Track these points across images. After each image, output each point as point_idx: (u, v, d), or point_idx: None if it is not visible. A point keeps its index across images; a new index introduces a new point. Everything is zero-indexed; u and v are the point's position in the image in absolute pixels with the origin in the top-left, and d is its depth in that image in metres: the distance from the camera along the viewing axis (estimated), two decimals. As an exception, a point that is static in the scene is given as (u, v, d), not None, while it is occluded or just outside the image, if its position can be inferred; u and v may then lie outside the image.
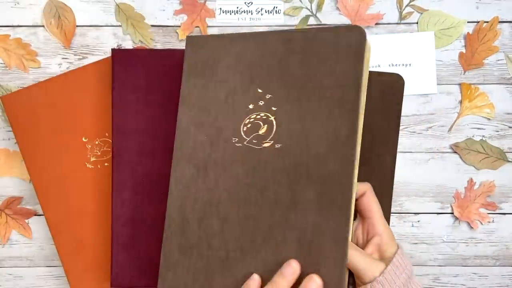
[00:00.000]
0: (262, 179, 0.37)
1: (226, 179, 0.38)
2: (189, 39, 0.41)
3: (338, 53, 0.36)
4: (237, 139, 0.38)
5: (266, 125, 0.38)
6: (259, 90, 0.38)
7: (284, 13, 0.50)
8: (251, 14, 0.50)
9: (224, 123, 0.39)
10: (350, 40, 0.35)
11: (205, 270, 0.38)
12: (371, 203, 0.41)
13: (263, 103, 0.38)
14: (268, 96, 0.38)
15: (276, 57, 0.38)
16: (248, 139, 0.38)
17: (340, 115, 0.35)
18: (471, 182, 0.51)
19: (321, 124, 0.36)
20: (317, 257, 0.34)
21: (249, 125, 0.38)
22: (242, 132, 0.38)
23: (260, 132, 0.38)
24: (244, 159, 0.38)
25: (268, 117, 0.38)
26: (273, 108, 0.38)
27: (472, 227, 0.51)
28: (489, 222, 0.51)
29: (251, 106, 0.38)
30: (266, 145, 0.37)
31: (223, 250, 0.37)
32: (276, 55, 0.38)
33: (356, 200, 0.41)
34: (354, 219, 0.41)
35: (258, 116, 0.38)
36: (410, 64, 0.50)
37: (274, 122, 0.37)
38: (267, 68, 0.38)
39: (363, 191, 0.41)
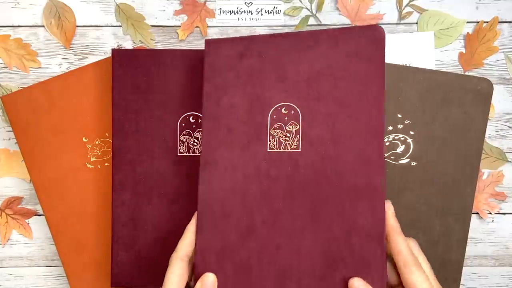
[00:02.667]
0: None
1: None
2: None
3: (471, 100, 0.46)
4: None
5: (403, 145, 0.46)
6: (399, 116, 0.46)
7: (284, 13, 0.50)
8: (251, 14, 0.50)
9: None
10: (481, 90, 0.46)
11: None
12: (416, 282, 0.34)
13: (401, 126, 0.46)
14: (407, 122, 0.46)
15: (417, 92, 0.46)
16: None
17: (466, 143, 0.46)
18: (479, 171, 0.51)
19: (450, 149, 0.46)
20: (441, 255, 0.46)
21: (387, 144, 0.46)
22: None
23: (398, 150, 0.46)
24: None
25: (406, 139, 0.46)
26: (411, 132, 0.46)
27: (482, 217, 0.51)
28: (498, 211, 0.51)
29: (390, 128, 0.46)
30: (402, 161, 0.46)
31: None
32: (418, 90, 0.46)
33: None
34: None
35: (397, 137, 0.46)
36: (409, 64, 0.50)
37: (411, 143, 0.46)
38: (409, 99, 0.46)
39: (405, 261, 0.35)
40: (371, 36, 0.38)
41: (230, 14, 0.50)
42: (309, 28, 0.50)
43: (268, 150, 0.39)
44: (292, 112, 0.39)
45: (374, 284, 0.36)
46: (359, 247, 0.37)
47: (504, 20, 0.51)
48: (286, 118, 0.39)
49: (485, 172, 0.51)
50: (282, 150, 0.39)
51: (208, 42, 0.40)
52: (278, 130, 0.39)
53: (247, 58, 0.40)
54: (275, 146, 0.39)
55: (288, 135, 0.39)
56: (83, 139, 0.48)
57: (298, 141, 0.39)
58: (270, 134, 0.40)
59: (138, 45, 0.50)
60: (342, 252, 0.37)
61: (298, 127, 0.39)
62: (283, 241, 0.38)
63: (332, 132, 0.38)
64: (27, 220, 0.51)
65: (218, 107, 0.40)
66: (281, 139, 0.39)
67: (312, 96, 0.39)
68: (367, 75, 0.38)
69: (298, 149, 0.39)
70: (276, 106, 0.40)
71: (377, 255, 0.36)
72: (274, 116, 0.40)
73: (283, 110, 0.40)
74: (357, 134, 0.38)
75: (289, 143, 0.39)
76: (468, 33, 0.50)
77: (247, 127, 0.39)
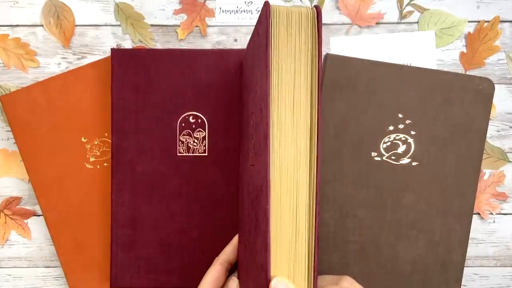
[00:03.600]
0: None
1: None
2: (330, 56, 0.46)
3: (472, 100, 0.46)
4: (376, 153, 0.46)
5: (404, 145, 0.46)
6: (400, 115, 0.46)
7: (284, 12, 0.50)
8: (251, 13, 0.50)
9: (365, 139, 0.46)
10: (483, 90, 0.46)
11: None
12: None
13: (402, 126, 0.46)
14: (408, 122, 0.46)
15: (419, 92, 0.46)
16: (387, 155, 0.46)
17: (468, 143, 0.46)
18: (480, 172, 0.51)
19: (452, 149, 0.46)
20: (443, 256, 0.46)
21: (388, 143, 0.46)
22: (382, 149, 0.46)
23: (399, 150, 0.46)
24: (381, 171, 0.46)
25: (406, 139, 0.46)
26: (412, 132, 0.46)
27: (483, 218, 0.51)
28: (499, 212, 0.51)
29: (391, 128, 0.46)
30: (403, 162, 0.46)
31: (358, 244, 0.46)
32: (421, 91, 0.46)
33: None
34: None
35: (398, 137, 0.46)
36: (410, 64, 0.50)
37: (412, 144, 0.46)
38: (410, 98, 0.46)
39: None
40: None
41: (230, 13, 0.50)
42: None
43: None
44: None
45: None
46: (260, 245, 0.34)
47: (505, 20, 0.50)
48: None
49: (486, 172, 0.51)
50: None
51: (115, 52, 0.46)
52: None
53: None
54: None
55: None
56: (82, 139, 0.48)
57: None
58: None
59: (138, 45, 0.50)
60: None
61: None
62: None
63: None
64: (26, 221, 0.51)
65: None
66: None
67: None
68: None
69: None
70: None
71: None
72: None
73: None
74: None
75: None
76: (469, 32, 0.50)
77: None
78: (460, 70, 0.50)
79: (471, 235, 0.51)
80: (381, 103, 0.46)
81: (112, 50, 0.46)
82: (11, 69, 0.50)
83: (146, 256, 0.46)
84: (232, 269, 0.41)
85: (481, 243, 0.51)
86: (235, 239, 0.41)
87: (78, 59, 0.50)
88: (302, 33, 0.31)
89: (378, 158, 0.46)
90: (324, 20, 0.50)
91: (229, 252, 0.40)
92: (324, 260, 0.46)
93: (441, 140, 0.46)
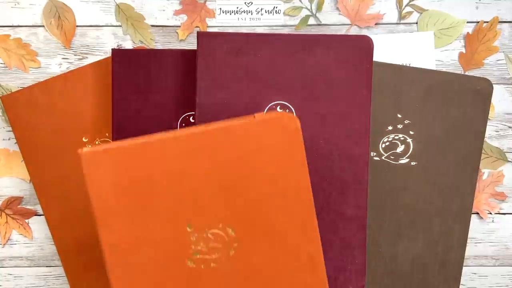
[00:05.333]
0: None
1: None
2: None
3: (471, 100, 0.46)
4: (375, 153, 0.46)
5: (403, 145, 0.46)
6: (399, 115, 0.46)
7: (284, 13, 0.50)
8: (251, 14, 0.50)
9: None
10: (481, 90, 0.46)
11: None
12: None
13: (401, 126, 0.46)
14: (406, 122, 0.46)
15: (417, 92, 0.46)
16: (386, 155, 0.46)
17: (466, 143, 0.46)
18: (479, 171, 0.51)
19: (450, 149, 0.46)
20: (442, 255, 0.46)
21: (387, 143, 0.46)
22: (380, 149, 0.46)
23: (398, 150, 0.46)
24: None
25: (405, 138, 0.46)
26: (411, 132, 0.46)
27: (482, 217, 0.51)
28: (498, 211, 0.51)
29: (390, 128, 0.46)
30: (402, 161, 0.46)
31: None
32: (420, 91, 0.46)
33: None
34: None
35: (397, 137, 0.46)
36: (409, 64, 0.50)
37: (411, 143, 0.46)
38: (409, 99, 0.46)
39: None
40: (360, 46, 0.43)
41: (230, 14, 0.50)
42: (309, 28, 0.50)
43: None
44: (287, 111, 0.43)
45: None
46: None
47: (504, 20, 0.51)
48: None
49: (485, 172, 0.51)
50: None
51: (202, 35, 0.41)
52: None
53: (243, 55, 0.41)
54: None
55: None
56: (83, 139, 0.48)
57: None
58: None
59: (138, 45, 0.50)
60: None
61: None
62: None
63: (324, 131, 0.42)
64: (27, 220, 0.51)
65: (213, 103, 0.41)
66: None
67: (305, 96, 0.43)
68: (356, 80, 0.42)
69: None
70: (271, 104, 0.43)
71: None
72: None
73: (278, 109, 0.43)
74: (346, 134, 0.42)
75: None
76: (468, 33, 0.50)
77: None
78: (459, 70, 0.51)
79: (470, 234, 0.51)
80: (380, 103, 0.46)
81: (113, 50, 0.46)
82: (12, 69, 0.50)
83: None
84: None
85: (480, 242, 0.52)
86: None
87: (79, 59, 0.50)
88: None
89: (377, 158, 0.47)
90: (323, 21, 0.51)
91: None
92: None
93: (440, 140, 0.46)
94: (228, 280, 0.34)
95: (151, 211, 0.33)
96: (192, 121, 0.46)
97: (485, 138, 0.50)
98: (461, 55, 0.50)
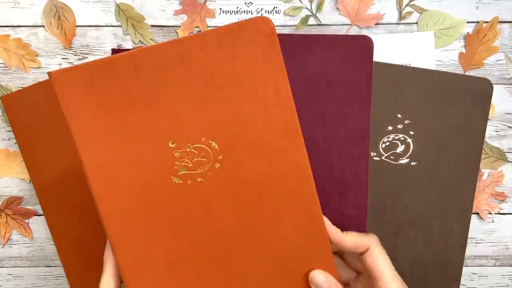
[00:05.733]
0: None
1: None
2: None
3: (471, 100, 0.47)
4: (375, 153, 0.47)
5: (403, 145, 0.46)
6: (399, 116, 0.46)
7: (284, 13, 0.50)
8: (251, 14, 0.50)
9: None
10: (481, 90, 0.47)
11: None
12: (378, 263, 0.36)
13: (401, 126, 0.46)
14: (406, 122, 0.46)
15: (418, 92, 0.47)
16: (386, 155, 0.47)
17: (466, 143, 0.47)
18: (479, 171, 0.51)
19: (450, 149, 0.47)
20: (442, 255, 0.47)
21: (387, 143, 0.46)
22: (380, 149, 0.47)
23: (398, 150, 0.46)
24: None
25: (405, 138, 0.46)
26: (411, 132, 0.46)
27: (482, 217, 0.51)
28: (498, 211, 0.51)
29: (390, 128, 0.46)
30: (402, 161, 0.47)
31: None
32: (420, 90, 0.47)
33: (360, 255, 0.38)
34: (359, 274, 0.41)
35: (397, 137, 0.46)
36: (409, 64, 0.50)
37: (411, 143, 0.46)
38: (409, 99, 0.47)
39: (366, 247, 0.36)
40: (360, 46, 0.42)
41: (230, 14, 0.50)
42: (309, 28, 0.50)
43: None
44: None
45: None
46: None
47: (504, 20, 0.51)
48: None
49: (485, 172, 0.51)
50: None
51: None
52: None
53: None
54: None
55: None
56: (83, 139, 0.48)
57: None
58: None
59: (138, 45, 0.50)
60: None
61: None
62: None
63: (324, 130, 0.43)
64: (27, 220, 0.51)
65: None
66: None
67: (305, 96, 0.43)
68: (356, 80, 0.42)
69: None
70: None
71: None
72: None
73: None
74: (346, 134, 0.43)
75: None
76: (468, 33, 0.50)
77: None
78: (459, 70, 0.51)
79: (470, 234, 0.51)
80: (380, 103, 0.46)
81: (113, 50, 0.46)
82: (12, 69, 0.50)
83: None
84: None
85: (480, 242, 0.52)
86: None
87: (79, 59, 0.50)
88: None
89: (377, 158, 0.47)
90: (323, 21, 0.51)
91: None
92: None
93: (440, 140, 0.46)
94: (217, 193, 0.33)
95: (131, 128, 0.32)
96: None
97: (485, 138, 0.50)
98: (461, 55, 0.50)
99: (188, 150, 0.33)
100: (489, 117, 0.50)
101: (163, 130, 0.32)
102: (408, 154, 0.47)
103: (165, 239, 0.34)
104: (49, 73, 0.31)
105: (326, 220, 0.36)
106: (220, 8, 0.50)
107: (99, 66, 0.31)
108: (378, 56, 0.50)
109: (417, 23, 0.50)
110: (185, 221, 0.34)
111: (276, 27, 0.50)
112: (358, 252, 0.37)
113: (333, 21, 0.51)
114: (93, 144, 0.32)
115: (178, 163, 0.33)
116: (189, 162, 0.33)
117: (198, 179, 0.33)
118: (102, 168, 0.32)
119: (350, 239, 0.36)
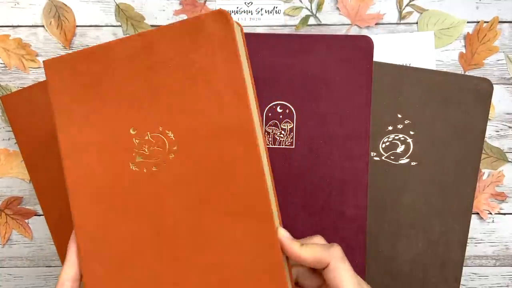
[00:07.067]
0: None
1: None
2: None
3: (471, 100, 0.46)
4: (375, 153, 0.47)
5: (403, 145, 0.46)
6: (399, 116, 0.46)
7: (284, 13, 0.50)
8: (251, 14, 0.50)
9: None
10: (481, 90, 0.46)
11: None
12: (339, 280, 0.32)
13: (401, 126, 0.46)
14: (407, 122, 0.46)
15: (418, 92, 0.46)
16: (386, 155, 0.46)
17: (466, 143, 0.47)
18: (479, 172, 0.51)
19: (450, 149, 0.46)
20: (442, 255, 0.47)
21: (387, 143, 0.46)
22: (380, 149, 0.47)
23: (398, 150, 0.46)
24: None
25: (405, 139, 0.46)
26: (411, 132, 0.46)
27: (482, 217, 0.51)
28: (498, 211, 0.51)
29: (390, 128, 0.46)
30: (402, 161, 0.46)
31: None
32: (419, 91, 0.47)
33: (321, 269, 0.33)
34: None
35: (397, 137, 0.46)
36: (409, 64, 0.50)
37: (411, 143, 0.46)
38: (409, 99, 0.47)
39: (326, 262, 0.32)
40: (360, 46, 0.43)
41: (230, 14, 0.50)
42: (309, 28, 0.50)
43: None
44: (287, 111, 0.44)
45: None
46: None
47: (504, 20, 0.50)
48: (281, 117, 0.44)
49: (485, 172, 0.51)
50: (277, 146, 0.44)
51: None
52: (273, 127, 0.44)
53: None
54: (270, 142, 0.44)
55: (283, 132, 0.44)
56: (83, 139, 0.48)
57: (292, 138, 0.44)
58: (265, 131, 0.44)
59: (138, 45, 0.50)
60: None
61: (292, 125, 0.44)
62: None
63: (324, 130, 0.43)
64: (26, 220, 0.51)
65: None
66: (275, 136, 0.44)
67: (305, 96, 0.43)
68: (356, 80, 0.43)
69: (292, 146, 0.44)
70: (271, 104, 0.44)
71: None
72: (269, 114, 0.44)
73: (278, 109, 0.44)
74: (346, 134, 0.43)
75: (283, 140, 0.44)
76: (468, 33, 0.50)
77: None
78: (459, 70, 0.51)
79: (470, 234, 0.51)
80: (380, 103, 0.46)
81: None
82: (12, 69, 0.50)
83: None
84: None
85: (480, 242, 0.52)
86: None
87: (79, 59, 0.50)
88: None
89: (377, 158, 0.47)
90: (323, 21, 0.51)
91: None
92: None
93: (440, 140, 0.46)
94: (169, 185, 0.33)
95: (100, 114, 0.34)
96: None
97: (485, 138, 0.50)
98: (461, 55, 0.50)
99: (146, 138, 0.34)
100: (489, 117, 0.50)
101: (126, 118, 0.34)
102: (408, 154, 0.47)
103: (119, 224, 0.34)
104: (43, 62, 0.34)
105: (282, 232, 0.32)
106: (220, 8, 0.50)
107: (83, 55, 0.34)
108: (378, 56, 0.50)
109: (417, 23, 0.50)
110: (138, 209, 0.34)
111: (276, 27, 0.50)
112: (318, 268, 0.33)
113: (333, 21, 0.51)
114: (69, 126, 0.35)
115: (136, 150, 0.34)
116: (146, 150, 0.34)
117: (153, 168, 0.34)
118: (74, 149, 0.35)
119: (308, 254, 0.32)
